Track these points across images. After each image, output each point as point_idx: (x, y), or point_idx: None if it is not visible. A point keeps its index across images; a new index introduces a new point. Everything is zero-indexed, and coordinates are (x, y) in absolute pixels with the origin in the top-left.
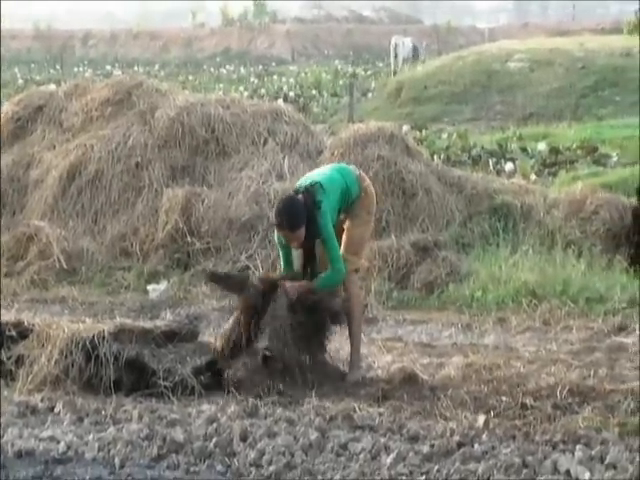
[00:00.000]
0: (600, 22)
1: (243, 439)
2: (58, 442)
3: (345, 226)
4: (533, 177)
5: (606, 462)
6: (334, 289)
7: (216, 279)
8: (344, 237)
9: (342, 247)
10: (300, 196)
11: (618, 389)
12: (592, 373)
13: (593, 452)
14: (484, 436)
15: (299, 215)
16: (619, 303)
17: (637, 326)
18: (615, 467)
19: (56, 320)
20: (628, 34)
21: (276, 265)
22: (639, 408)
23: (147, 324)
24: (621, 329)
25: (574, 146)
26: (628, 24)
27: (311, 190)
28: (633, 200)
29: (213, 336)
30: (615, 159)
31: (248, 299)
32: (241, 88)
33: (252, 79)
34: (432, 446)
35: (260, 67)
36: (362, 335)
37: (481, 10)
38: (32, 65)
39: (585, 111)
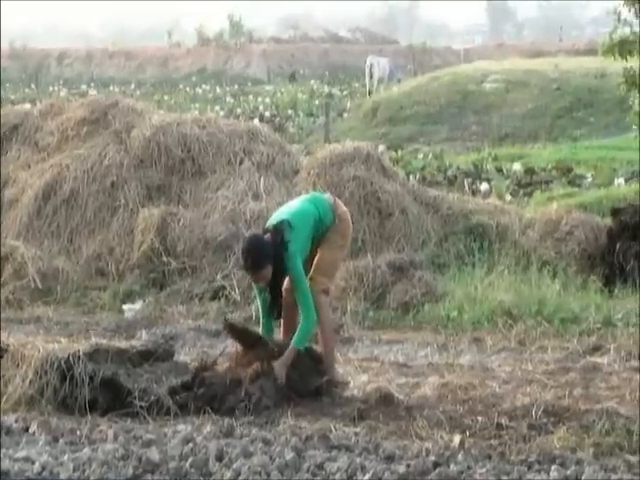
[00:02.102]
0: (575, 43)
1: (219, 459)
2: (33, 462)
3: (318, 249)
4: (508, 197)
5: None
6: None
7: (232, 331)
8: (316, 258)
9: (313, 268)
10: (267, 235)
11: (593, 409)
12: (567, 393)
13: (568, 472)
14: (460, 456)
15: (263, 255)
16: (594, 323)
17: (611, 346)
18: None
19: (31, 340)
20: (603, 55)
21: (251, 285)
22: (614, 428)
23: (122, 344)
24: (596, 349)
25: (549, 167)
26: (602, 45)
27: (279, 229)
28: (608, 221)
29: (189, 356)
30: (590, 180)
31: (259, 356)
32: (217, 108)
33: (228, 99)
34: (408, 466)
35: (236, 87)
36: (336, 355)
37: (456, 31)
38: (7, 84)
39: (560, 132)
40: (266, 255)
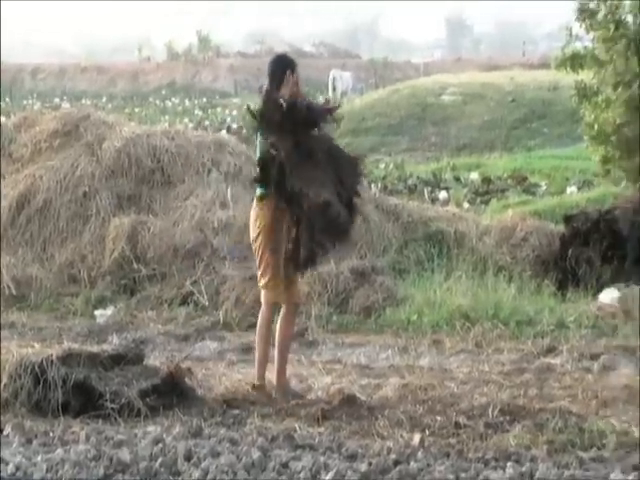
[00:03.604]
0: (529, 58)
1: (187, 459)
2: (7, 464)
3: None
4: (466, 205)
5: (535, 478)
6: None
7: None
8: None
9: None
10: None
11: (547, 408)
12: (522, 393)
13: (523, 469)
14: (419, 454)
15: None
16: (547, 326)
17: (564, 348)
18: None
19: (5, 345)
20: (555, 69)
21: (219, 291)
22: (567, 426)
23: (94, 348)
24: (549, 351)
25: (505, 176)
26: (555, 59)
27: None
28: (561, 227)
29: (159, 359)
30: (544, 188)
31: None
32: (186, 120)
33: (197, 111)
34: (370, 464)
35: (204, 100)
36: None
37: (416, 46)
38: None
39: (515, 142)
40: None
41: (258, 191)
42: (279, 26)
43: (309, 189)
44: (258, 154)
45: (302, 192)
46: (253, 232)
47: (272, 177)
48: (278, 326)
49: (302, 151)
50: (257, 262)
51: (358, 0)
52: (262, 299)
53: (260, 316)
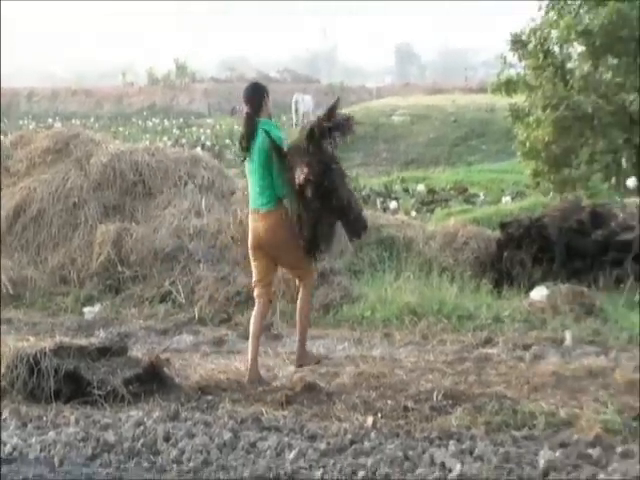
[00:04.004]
0: (469, 83)
1: (166, 439)
2: (5, 445)
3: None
4: (413, 213)
5: (474, 455)
6: None
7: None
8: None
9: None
10: None
11: (484, 393)
12: (463, 379)
13: (464, 446)
14: (372, 434)
15: None
16: (485, 320)
17: (500, 339)
18: (482, 459)
19: (3, 339)
20: (492, 93)
21: (195, 290)
22: (502, 408)
23: (83, 341)
24: (487, 342)
25: (448, 187)
26: (492, 84)
27: None
28: (497, 233)
29: (140, 351)
30: (482, 198)
31: None
32: (165, 138)
33: (174, 130)
34: (328, 444)
35: (181, 120)
36: (267, 350)
37: (369, 72)
38: None
39: (457, 158)
40: None
41: (272, 203)
42: (248, 54)
43: (353, 197)
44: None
45: (350, 200)
46: (276, 236)
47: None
48: (300, 304)
49: (338, 164)
50: (290, 261)
51: (318, 31)
52: (302, 288)
53: (305, 299)
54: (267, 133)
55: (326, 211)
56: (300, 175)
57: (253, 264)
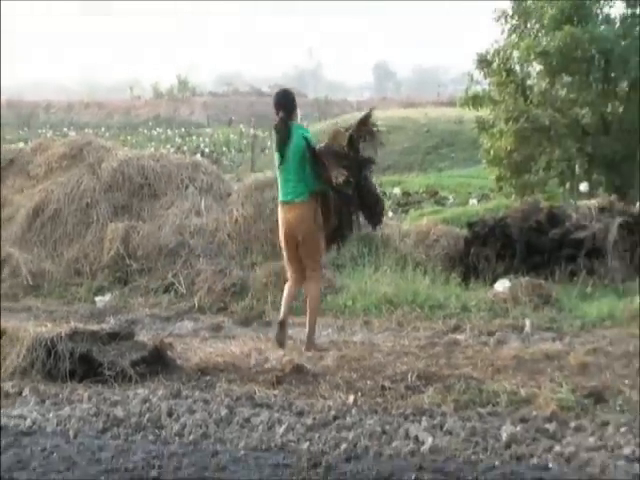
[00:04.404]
0: (440, 97)
1: (169, 415)
2: (25, 419)
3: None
4: (390, 214)
5: (444, 429)
6: None
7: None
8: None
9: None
10: None
11: (453, 374)
12: (434, 362)
13: (435, 422)
14: (353, 411)
15: None
16: (454, 309)
17: (467, 327)
18: (451, 433)
19: (24, 325)
20: (460, 106)
21: (195, 282)
22: (469, 388)
23: (95, 327)
24: (455, 329)
25: (420, 191)
26: (460, 99)
27: None
28: (464, 231)
29: (146, 336)
30: (451, 200)
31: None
32: (168, 146)
33: (177, 139)
34: (314, 419)
35: (183, 130)
36: (260, 336)
37: (351, 87)
38: (5, 128)
39: (429, 164)
40: None
41: (304, 194)
42: (242, 71)
43: (379, 192)
44: (338, 174)
45: (377, 194)
46: (303, 226)
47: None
48: (310, 294)
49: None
50: (305, 250)
51: (305, 50)
52: (314, 278)
53: (316, 288)
54: (304, 136)
55: (358, 204)
56: (339, 176)
57: (286, 254)
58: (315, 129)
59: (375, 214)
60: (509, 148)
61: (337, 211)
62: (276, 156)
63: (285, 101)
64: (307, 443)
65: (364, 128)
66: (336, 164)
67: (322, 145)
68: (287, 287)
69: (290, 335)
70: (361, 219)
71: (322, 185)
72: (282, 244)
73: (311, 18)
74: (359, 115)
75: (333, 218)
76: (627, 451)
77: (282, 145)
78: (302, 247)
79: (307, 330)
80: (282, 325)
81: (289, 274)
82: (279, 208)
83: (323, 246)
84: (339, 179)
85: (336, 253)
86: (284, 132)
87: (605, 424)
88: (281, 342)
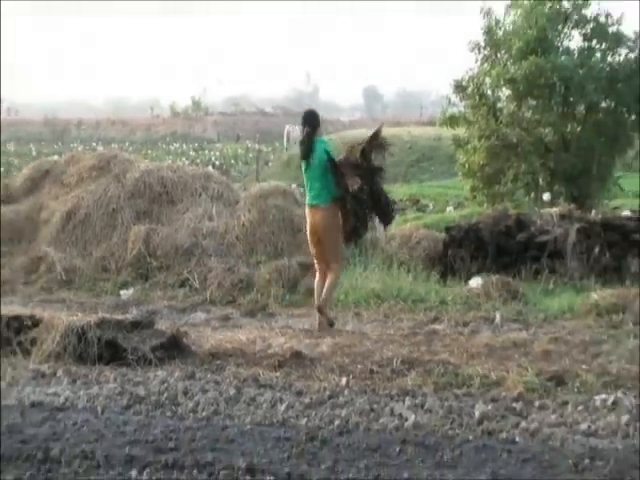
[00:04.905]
0: (422, 118)
1: (185, 394)
2: (59, 396)
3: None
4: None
5: (425, 408)
6: None
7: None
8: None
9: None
10: None
11: (433, 359)
12: (416, 349)
13: (417, 401)
14: (346, 391)
15: None
16: (433, 303)
17: (445, 318)
18: (431, 411)
19: (58, 314)
20: (439, 126)
21: (207, 278)
22: (446, 372)
23: (120, 317)
24: (435, 320)
25: (404, 199)
26: (439, 119)
27: None
28: (443, 235)
29: (164, 325)
30: (431, 208)
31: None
32: (184, 159)
33: (191, 153)
34: (311, 398)
35: (196, 145)
36: (265, 324)
37: (343, 108)
38: (42, 142)
39: (412, 176)
40: None
41: (328, 199)
42: (249, 93)
43: (388, 196)
44: (353, 182)
45: (387, 198)
46: (325, 226)
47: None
48: (328, 281)
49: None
50: (327, 246)
51: (302, 75)
52: (334, 269)
53: (335, 277)
54: (326, 150)
55: (371, 207)
56: (354, 183)
57: (312, 248)
58: None
59: (386, 215)
60: (481, 162)
61: (354, 214)
62: (302, 165)
63: (310, 119)
64: (305, 419)
65: (375, 142)
66: (352, 173)
67: (341, 157)
68: (316, 279)
69: (290, 325)
70: (375, 220)
71: (342, 192)
72: (309, 241)
73: (309, 49)
74: (352, 132)
75: (351, 219)
76: (583, 427)
77: (306, 156)
78: (325, 244)
79: (324, 296)
80: (320, 310)
81: (316, 266)
82: (306, 210)
83: (342, 243)
84: (354, 186)
85: (353, 249)
86: (308, 145)
87: (565, 403)
88: (330, 323)
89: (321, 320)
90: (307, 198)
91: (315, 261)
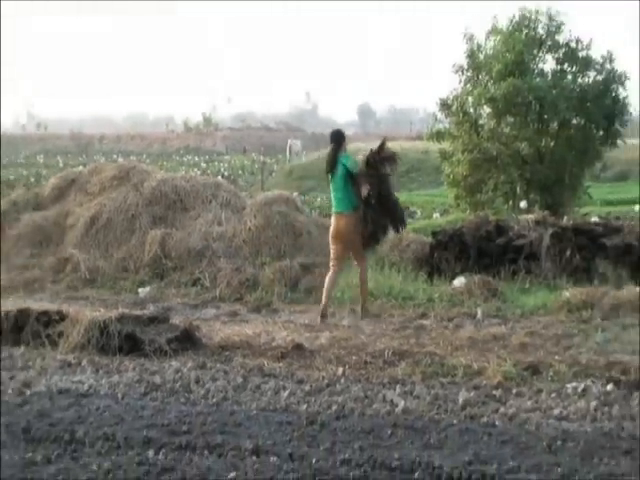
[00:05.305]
0: (411, 133)
1: (197, 382)
2: (83, 384)
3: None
4: None
5: (414, 394)
6: None
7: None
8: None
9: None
10: None
11: (421, 351)
12: (406, 342)
13: (406, 389)
14: (342, 380)
15: None
16: (421, 300)
17: (432, 314)
18: (419, 397)
19: (82, 310)
20: (427, 140)
21: (217, 277)
22: (433, 362)
23: (138, 312)
24: (422, 316)
25: None
26: (427, 134)
27: None
28: (430, 239)
29: (178, 320)
30: (419, 214)
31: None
32: (195, 170)
33: (202, 164)
34: (311, 386)
35: (207, 157)
36: (269, 319)
37: (340, 124)
38: (68, 155)
39: (402, 186)
40: None
41: (349, 207)
42: (254, 110)
43: (398, 203)
44: (364, 189)
45: (396, 204)
46: (347, 232)
47: (375, 196)
48: (361, 277)
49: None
50: (352, 249)
51: (302, 93)
52: (361, 269)
53: (364, 273)
54: (343, 164)
55: (381, 212)
56: (364, 190)
57: (332, 248)
58: (312, 157)
59: (396, 220)
60: (465, 173)
61: (371, 220)
62: (328, 177)
63: (336, 137)
64: (305, 405)
65: (381, 152)
66: (363, 182)
67: (360, 169)
68: (328, 274)
69: (292, 320)
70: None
71: (360, 201)
72: (331, 242)
73: (308, 69)
74: (347, 146)
75: (368, 226)
76: (556, 412)
77: (331, 169)
78: (350, 247)
79: (362, 293)
80: (363, 306)
81: (332, 264)
82: (332, 216)
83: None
84: (364, 192)
85: (373, 251)
86: (332, 159)
87: (539, 391)
88: (324, 315)
89: (365, 311)
90: (333, 206)
91: (333, 260)
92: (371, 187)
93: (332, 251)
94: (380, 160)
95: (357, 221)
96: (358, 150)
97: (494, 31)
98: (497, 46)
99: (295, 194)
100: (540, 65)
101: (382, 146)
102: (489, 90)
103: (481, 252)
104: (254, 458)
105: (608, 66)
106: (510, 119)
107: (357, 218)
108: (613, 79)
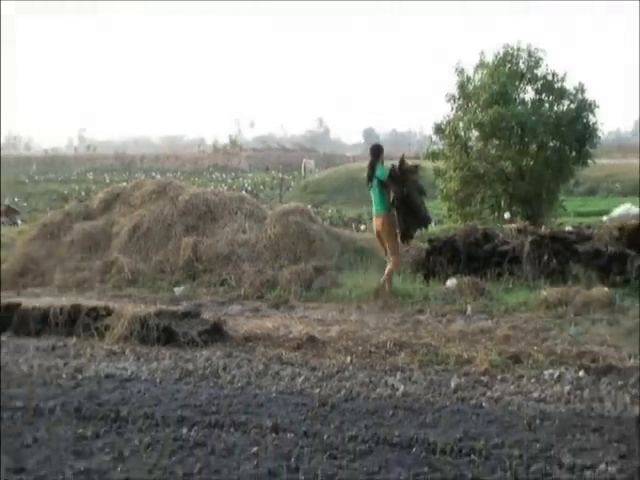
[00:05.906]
0: (410, 151)
1: (224, 369)
2: (126, 370)
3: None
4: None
5: (412, 380)
6: None
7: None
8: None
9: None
10: None
11: (418, 342)
12: (405, 334)
13: (405, 375)
14: (350, 367)
15: None
16: (419, 298)
17: (428, 310)
18: (417, 383)
19: (126, 306)
20: (423, 159)
21: (241, 278)
22: (428, 352)
23: (174, 308)
24: (420, 311)
25: None
26: (423, 154)
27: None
28: (426, 245)
29: (208, 315)
30: None
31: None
32: (223, 185)
33: (229, 180)
34: (323, 373)
35: (233, 174)
36: (293, 314)
37: (347, 145)
38: (114, 173)
39: None
40: None
41: (384, 210)
42: (274, 133)
43: (422, 204)
44: (392, 194)
45: (419, 205)
46: (384, 229)
47: (401, 201)
48: (388, 269)
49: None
50: (387, 244)
51: (316, 119)
52: (393, 261)
53: (394, 267)
54: (376, 174)
55: (408, 213)
56: (390, 196)
57: (386, 245)
58: (323, 174)
59: (418, 219)
60: (456, 189)
61: (402, 219)
62: (368, 185)
63: (375, 150)
64: (318, 389)
65: (402, 166)
66: (392, 189)
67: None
68: (389, 269)
69: (306, 315)
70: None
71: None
72: (380, 240)
73: (323, 101)
74: (353, 165)
75: (401, 224)
76: (535, 395)
77: (369, 178)
78: (386, 243)
79: (382, 281)
80: (376, 293)
81: (386, 259)
82: (373, 218)
83: (398, 241)
84: (390, 198)
85: (406, 245)
86: (370, 170)
87: (521, 377)
88: (384, 304)
89: (383, 298)
90: (373, 209)
91: (389, 254)
92: (395, 194)
93: (386, 247)
94: (402, 172)
95: (392, 220)
96: (364, 169)
97: (481, 65)
98: (484, 78)
99: (309, 206)
100: (521, 95)
101: (402, 161)
102: (477, 116)
103: (470, 257)
104: (274, 435)
105: (580, 96)
106: (495, 141)
107: (392, 218)
108: (584, 107)
